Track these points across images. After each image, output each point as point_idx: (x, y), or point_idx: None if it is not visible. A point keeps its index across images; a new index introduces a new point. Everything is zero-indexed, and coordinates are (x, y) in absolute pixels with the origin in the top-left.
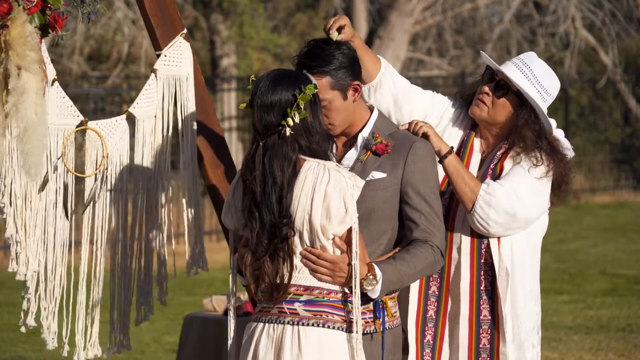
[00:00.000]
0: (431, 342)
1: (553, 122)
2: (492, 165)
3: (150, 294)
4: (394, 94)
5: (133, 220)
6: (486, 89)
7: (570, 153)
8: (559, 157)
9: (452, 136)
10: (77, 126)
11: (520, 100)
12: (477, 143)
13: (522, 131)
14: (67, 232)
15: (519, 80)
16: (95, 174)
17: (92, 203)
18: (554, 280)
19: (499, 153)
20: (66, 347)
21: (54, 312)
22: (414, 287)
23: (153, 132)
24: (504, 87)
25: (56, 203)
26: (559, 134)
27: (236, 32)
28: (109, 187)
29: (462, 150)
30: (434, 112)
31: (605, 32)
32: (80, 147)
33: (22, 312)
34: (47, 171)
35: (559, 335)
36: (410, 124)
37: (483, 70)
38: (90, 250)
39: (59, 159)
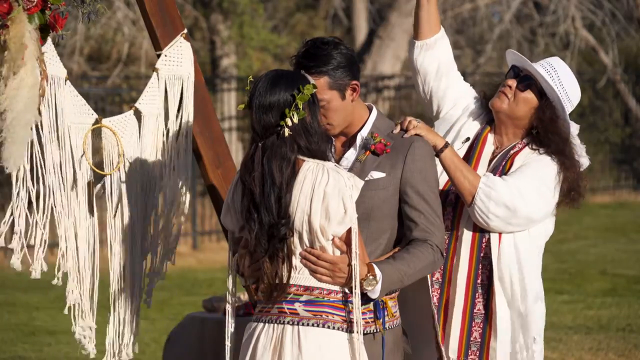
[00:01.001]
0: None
1: (575, 132)
2: (503, 162)
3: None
4: (440, 63)
5: (146, 218)
6: (510, 81)
7: (585, 162)
8: (572, 162)
9: (469, 130)
10: (93, 124)
11: (541, 100)
12: (490, 137)
13: (552, 126)
14: (96, 232)
15: (546, 77)
16: (116, 172)
17: (115, 202)
18: (554, 280)
19: (512, 152)
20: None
21: (92, 314)
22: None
23: (158, 131)
24: (528, 82)
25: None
26: (576, 140)
27: (236, 32)
28: (125, 184)
29: (475, 143)
30: (464, 102)
31: (605, 32)
32: (93, 145)
33: (72, 317)
34: (74, 171)
35: (559, 335)
36: (402, 122)
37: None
38: (112, 251)
39: (81, 157)
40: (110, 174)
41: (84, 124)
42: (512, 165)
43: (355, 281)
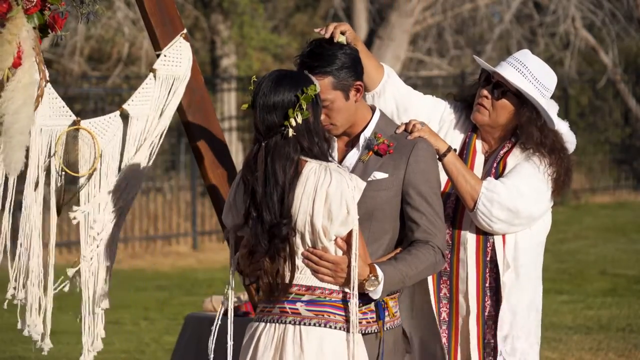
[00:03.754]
0: (446, 344)
1: (554, 113)
2: (494, 164)
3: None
4: (397, 101)
5: (120, 219)
6: (484, 92)
7: (571, 147)
8: (562, 153)
9: (454, 139)
10: (70, 126)
11: (520, 99)
12: (479, 144)
13: (528, 129)
14: (55, 231)
15: (516, 78)
16: (90, 173)
17: (83, 201)
18: (554, 280)
19: (501, 152)
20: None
21: (45, 310)
22: (430, 290)
23: (147, 131)
24: (501, 88)
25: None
26: (562, 126)
27: (236, 32)
28: (101, 185)
29: (465, 152)
30: (436, 116)
31: (605, 32)
32: (73, 147)
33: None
34: (38, 174)
35: (559, 335)
36: (407, 124)
37: (480, 72)
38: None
39: (51, 157)
40: (85, 175)
41: (59, 126)
42: (505, 166)
43: (353, 283)
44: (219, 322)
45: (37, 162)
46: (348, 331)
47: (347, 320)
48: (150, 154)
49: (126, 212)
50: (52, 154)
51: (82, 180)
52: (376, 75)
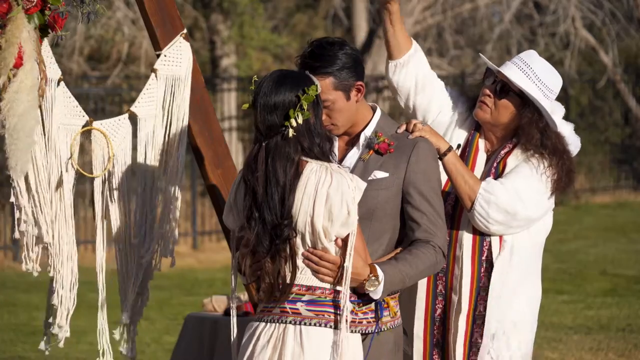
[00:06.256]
0: (440, 341)
1: (560, 116)
2: (495, 164)
3: (147, 292)
4: (417, 77)
5: (140, 219)
6: (487, 90)
7: (574, 149)
8: (563, 155)
9: (459, 136)
10: (83, 126)
11: (523, 100)
12: (481, 143)
13: (528, 130)
14: (73, 232)
15: (519, 79)
16: (104, 174)
17: (101, 203)
18: (554, 280)
19: (502, 152)
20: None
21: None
22: (422, 287)
23: (155, 132)
24: (505, 87)
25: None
26: (565, 128)
27: (236, 32)
28: (114, 186)
29: (468, 150)
30: (449, 108)
31: (605, 32)
32: (83, 147)
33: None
34: (61, 173)
35: (559, 335)
36: (407, 123)
37: (484, 71)
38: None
39: (68, 159)
40: (99, 176)
41: (74, 126)
42: (505, 166)
43: (345, 281)
44: (235, 326)
45: (59, 161)
46: (350, 331)
47: (347, 321)
48: (169, 156)
49: (162, 213)
50: (69, 154)
51: (96, 182)
52: (404, 44)
